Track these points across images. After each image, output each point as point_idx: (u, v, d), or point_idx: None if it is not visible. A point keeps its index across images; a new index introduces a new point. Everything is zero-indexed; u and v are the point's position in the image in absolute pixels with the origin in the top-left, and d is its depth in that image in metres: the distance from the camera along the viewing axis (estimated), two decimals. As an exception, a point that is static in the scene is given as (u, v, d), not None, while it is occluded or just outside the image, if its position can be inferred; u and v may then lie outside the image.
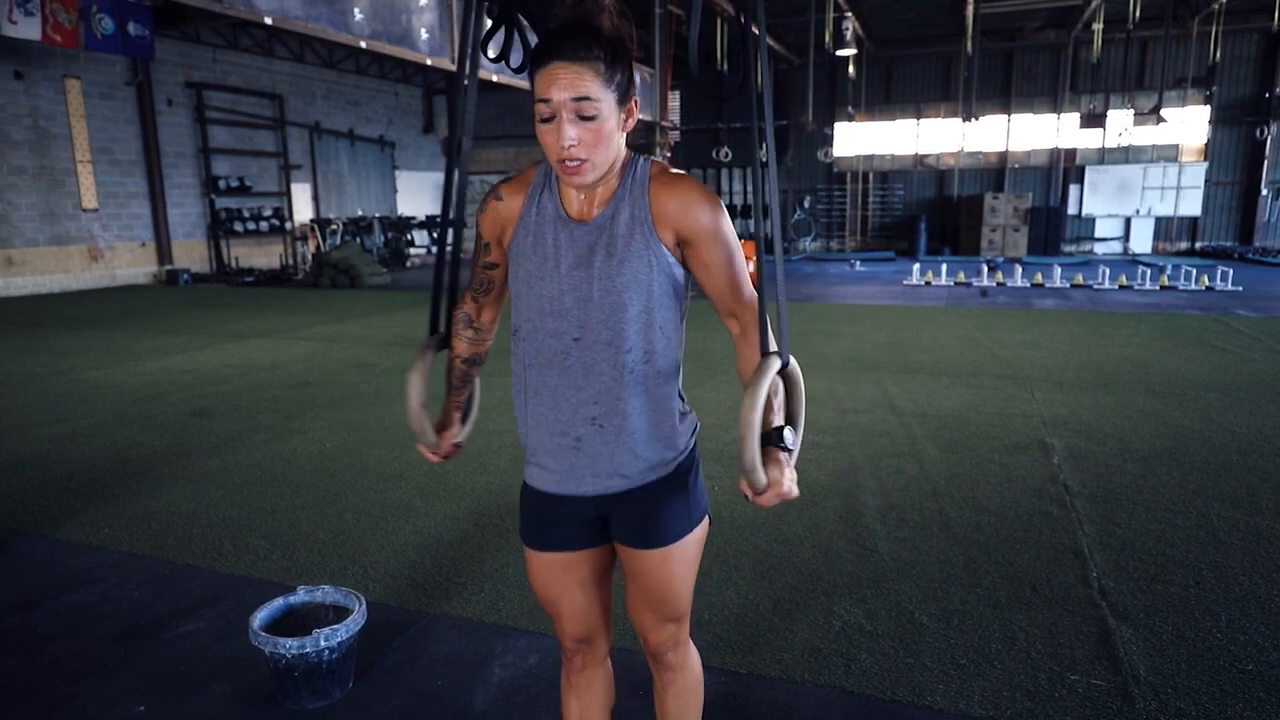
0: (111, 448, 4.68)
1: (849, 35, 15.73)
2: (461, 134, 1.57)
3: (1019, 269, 14.02)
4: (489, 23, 1.61)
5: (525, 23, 1.57)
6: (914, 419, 5.11)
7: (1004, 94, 20.84)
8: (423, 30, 7.39)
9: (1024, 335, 8.28)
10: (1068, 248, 20.94)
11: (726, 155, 18.89)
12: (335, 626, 2.20)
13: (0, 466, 4.31)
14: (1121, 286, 12.84)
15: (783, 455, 1.34)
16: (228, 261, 16.31)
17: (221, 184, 16.26)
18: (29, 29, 10.60)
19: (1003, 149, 21.19)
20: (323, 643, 2.16)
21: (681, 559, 1.49)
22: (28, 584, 3.01)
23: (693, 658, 1.65)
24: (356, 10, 6.50)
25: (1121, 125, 19.09)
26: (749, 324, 1.44)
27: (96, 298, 12.72)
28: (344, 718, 2.20)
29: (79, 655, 2.52)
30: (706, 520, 1.53)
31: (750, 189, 19.44)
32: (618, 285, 1.39)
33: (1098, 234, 21.17)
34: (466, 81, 1.60)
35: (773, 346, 1.40)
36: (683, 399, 1.51)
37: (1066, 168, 20.95)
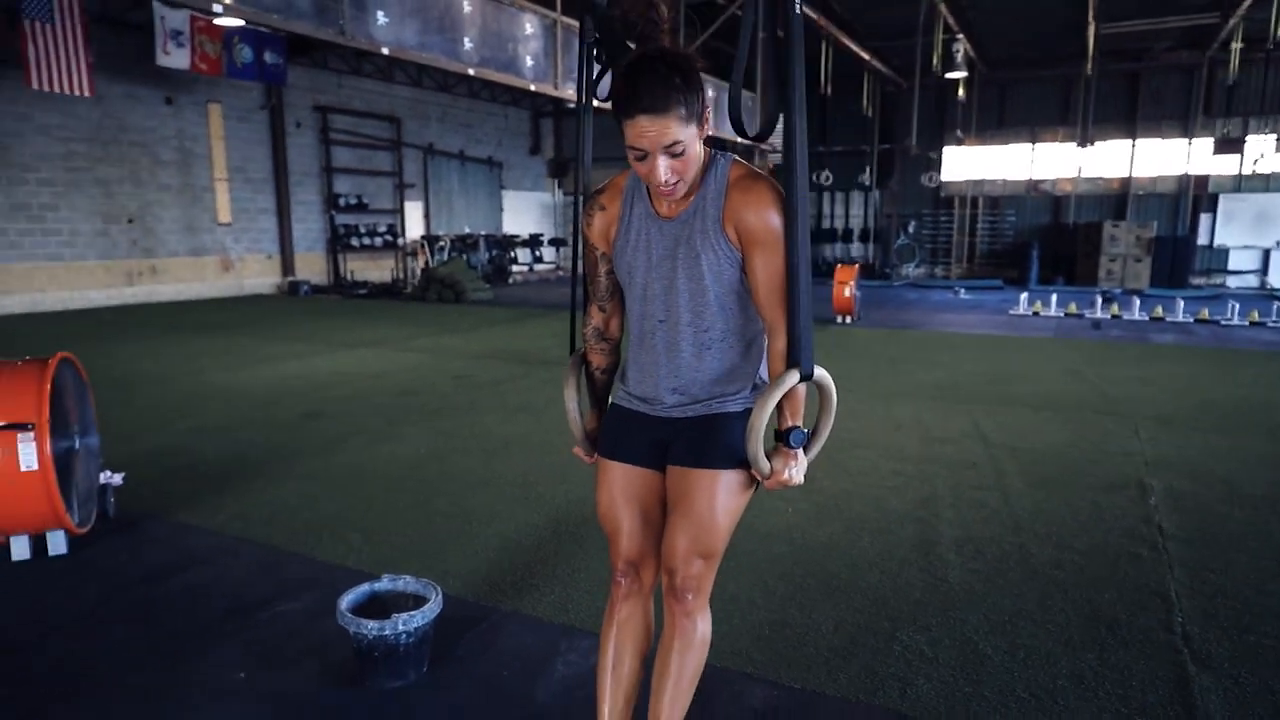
0: (232, 444, 5.09)
1: (959, 57, 15.40)
2: (583, 180, 1.84)
3: (1136, 301, 13.30)
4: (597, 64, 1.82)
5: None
6: (1004, 451, 4.98)
7: (1128, 117, 19.86)
8: (528, 58, 7.74)
9: (1135, 371, 7.89)
10: (1196, 280, 19.69)
11: (828, 179, 18.74)
12: (413, 613, 2.37)
13: (138, 454, 4.76)
14: (1253, 323, 12.01)
15: (790, 450, 1.58)
16: (344, 274, 17.29)
17: (341, 201, 17.28)
18: (180, 59, 11.67)
19: (1125, 175, 20.18)
20: (400, 626, 2.33)
21: (726, 489, 1.65)
22: (153, 560, 3.34)
23: (707, 618, 1.78)
24: (466, 40, 6.89)
25: (1259, 151, 17.87)
26: (777, 329, 1.61)
27: (226, 305, 13.73)
28: (418, 698, 2.37)
29: (193, 625, 2.80)
30: (754, 477, 1.68)
31: (849, 213, 19.05)
32: (697, 274, 1.61)
33: (1231, 266, 19.82)
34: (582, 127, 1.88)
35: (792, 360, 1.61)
36: (762, 380, 1.72)
37: (1197, 195, 19.74)
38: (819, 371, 1.59)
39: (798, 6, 1.44)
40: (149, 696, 2.38)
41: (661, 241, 1.64)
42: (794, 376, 1.52)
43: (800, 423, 1.62)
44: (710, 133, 1.57)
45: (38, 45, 10.06)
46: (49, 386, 3.20)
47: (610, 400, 1.86)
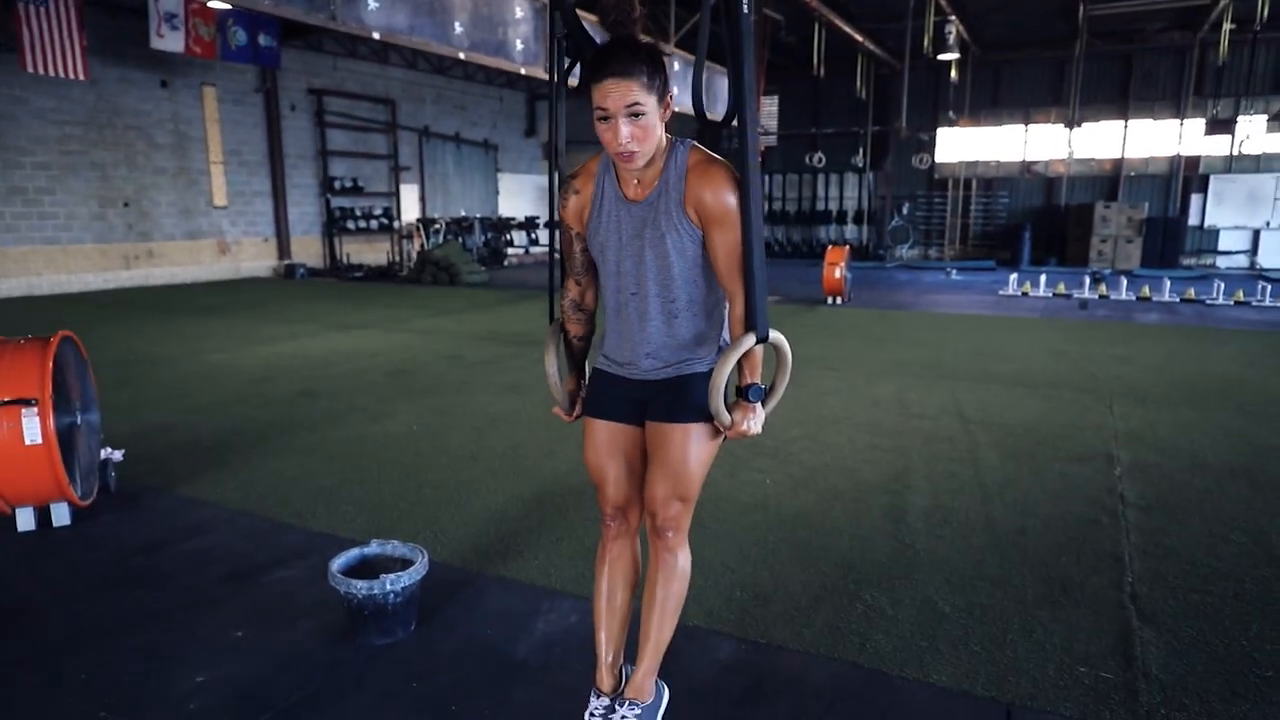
0: (229, 421, 5.23)
1: (951, 39, 15.44)
2: (558, 163, 1.97)
3: (1124, 282, 13.44)
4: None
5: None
6: (980, 427, 5.13)
7: (1120, 98, 19.91)
8: (519, 41, 7.82)
9: (1116, 349, 8.04)
10: (1187, 260, 19.82)
11: (820, 160, 18.80)
12: (400, 574, 2.52)
13: (137, 432, 4.90)
14: (1238, 302, 12.16)
15: (749, 404, 1.77)
16: (340, 257, 17.37)
17: (337, 184, 17.33)
18: (174, 42, 11.70)
19: (1117, 156, 20.26)
20: (389, 586, 2.48)
21: (697, 440, 1.85)
22: (154, 531, 3.48)
23: (687, 553, 2.00)
24: (457, 24, 6.97)
25: (1247, 131, 17.94)
26: (736, 297, 1.78)
27: (223, 288, 13.83)
28: (406, 654, 2.52)
29: (193, 590, 2.95)
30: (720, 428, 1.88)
31: (844, 195, 19.13)
32: (662, 251, 1.79)
33: (1221, 246, 19.94)
34: (557, 113, 2.04)
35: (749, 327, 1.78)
36: (725, 342, 1.92)
37: (1188, 176, 19.83)
38: (774, 334, 1.78)
39: (745, 6, 1.56)
40: (155, 652, 2.53)
41: (630, 223, 1.82)
42: (750, 339, 1.71)
43: (758, 380, 1.81)
44: (674, 111, 1.72)
45: (32, 29, 10.10)
46: (51, 363, 3.33)
47: (593, 367, 2.05)
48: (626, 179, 1.82)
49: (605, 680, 2.08)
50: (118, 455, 3.98)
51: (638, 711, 2.02)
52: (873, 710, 2.26)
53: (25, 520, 3.42)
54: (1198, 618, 2.75)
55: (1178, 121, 19.56)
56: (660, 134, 1.73)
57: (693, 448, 1.86)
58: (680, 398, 1.86)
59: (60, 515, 3.48)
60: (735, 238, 1.72)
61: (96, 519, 3.57)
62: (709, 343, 1.90)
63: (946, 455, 4.54)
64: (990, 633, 2.65)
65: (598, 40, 1.80)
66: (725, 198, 1.70)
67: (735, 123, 1.68)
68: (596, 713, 2.05)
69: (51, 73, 10.53)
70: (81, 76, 10.91)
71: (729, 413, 1.80)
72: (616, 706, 2.03)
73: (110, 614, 2.77)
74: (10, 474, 3.25)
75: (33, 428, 3.22)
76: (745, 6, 1.58)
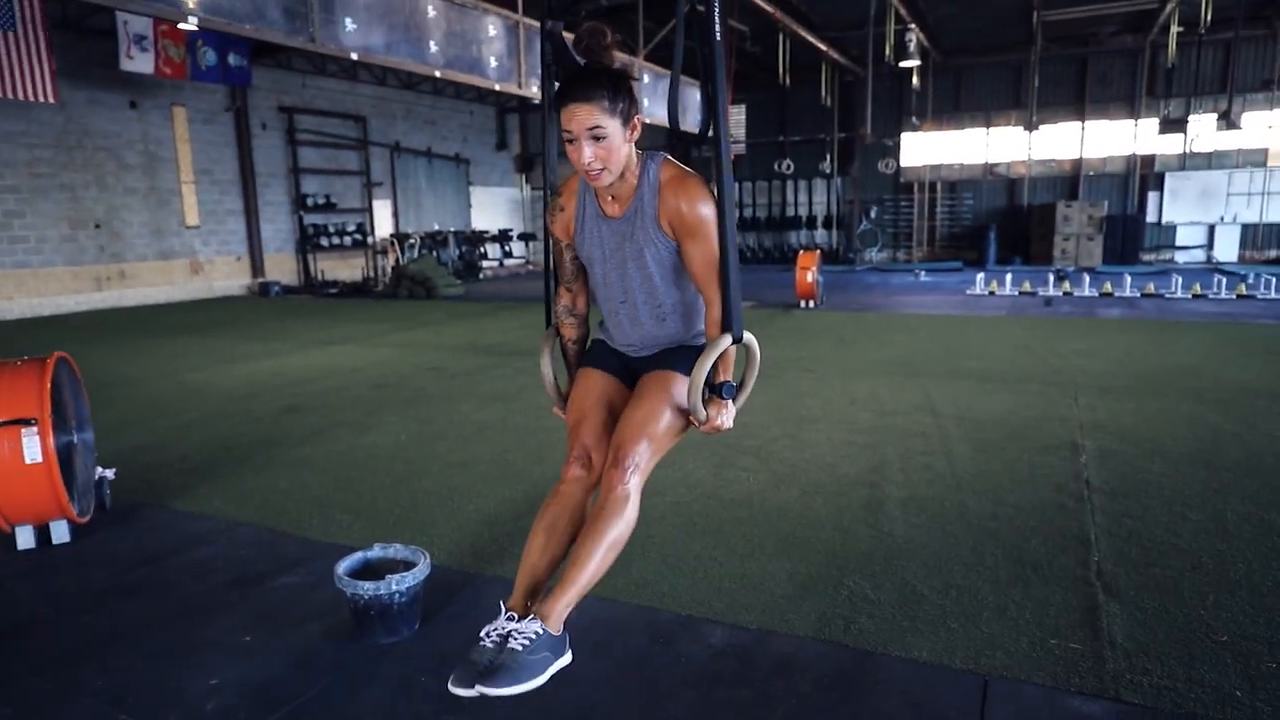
0: (216, 437, 5.28)
1: (912, 46, 15.80)
2: (550, 178, 2.14)
3: (1087, 278, 13.82)
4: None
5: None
6: (951, 421, 5.32)
7: (1078, 100, 20.46)
8: (492, 59, 7.95)
9: (1080, 344, 8.31)
10: (1147, 256, 20.36)
11: (789, 167, 19.10)
12: (404, 574, 2.62)
13: (124, 451, 4.94)
14: (1195, 296, 12.56)
15: (721, 401, 1.91)
16: (314, 274, 17.33)
17: (309, 201, 17.31)
18: (144, 64, 11.69)
19: (1076, 156, 20.79)
20: (394, 586, 2.59)
21: (679, 388, 1.97)
22: (154, 544, 3.55)
23: (636, 503, 1.95)
24: (432, 43, 7.09)
25: (1198, 130, 18.52)
26: (713, 302, 1.92)
27: (197, 308, 13.76)
28: (412, 651, 2.62)
29: (199, 597, 3.02)
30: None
31: (812, 200, 19.41)
32: (643, 263, 1.95)
33: (1179, 242, 20.51)
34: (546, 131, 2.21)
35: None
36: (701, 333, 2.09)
37: (1144, 174, 20.40)
38: (747, 335, 1.91)
39: (716, 34, 1.71)
40: (167, 657, 2.61)
41: (611, 238, 1.97)
42: (727, 340, 1.86)
43: (730, 378, 1.95)
44: (647, 122, 1.86)
45: (0, 54, 10.05)
46: (49, 384, 3.39)
47: (593, 338, 2.23)
48: (603, 195, 1.96)
49: (517, 600, 1.96)
50: (110, 474, 4.03)
51: (537, 628, 1.84)
52: (859, 686, 2.40)
53: (25, 539, 3.47)
54: (1159, 591, 2.93)
55: (1132, 121, 20.13)
56: (627, 152, 1.85)
57: (673, 392, 1.96)
58: (673, 356, 2.04)
59: (60, 533, 3.53)
60: (710, 247, 1.86)
61: (95, 535, 3.63)
62: (698, 327, 2.09)
63: (921, 449, 4.71)
64: (966, 611, 2.81)
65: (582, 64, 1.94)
66: (698, 210, 1.84)
67: (710, 134, 1.82)
68: (492, 632, 1.89)
69: (20, 96, 10.48)
70: (51, 99, 10.87)
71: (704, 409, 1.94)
72: (518, 624, 1.87)
73: (119, 623, 2.84)
74: (11, 492, 3.31)
75: (33, 446, 3.28)
76: (717, 30, 1.72)
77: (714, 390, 1.92)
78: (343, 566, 2.72)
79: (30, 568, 3.34)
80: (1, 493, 3.30)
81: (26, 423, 3.29)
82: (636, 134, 1.85)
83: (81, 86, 12.93)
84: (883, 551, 3.32)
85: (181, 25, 10.37)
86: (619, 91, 1.78)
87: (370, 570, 2.82)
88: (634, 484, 1.93)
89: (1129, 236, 19.77)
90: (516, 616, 1.92)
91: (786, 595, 2.96)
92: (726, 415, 1.93)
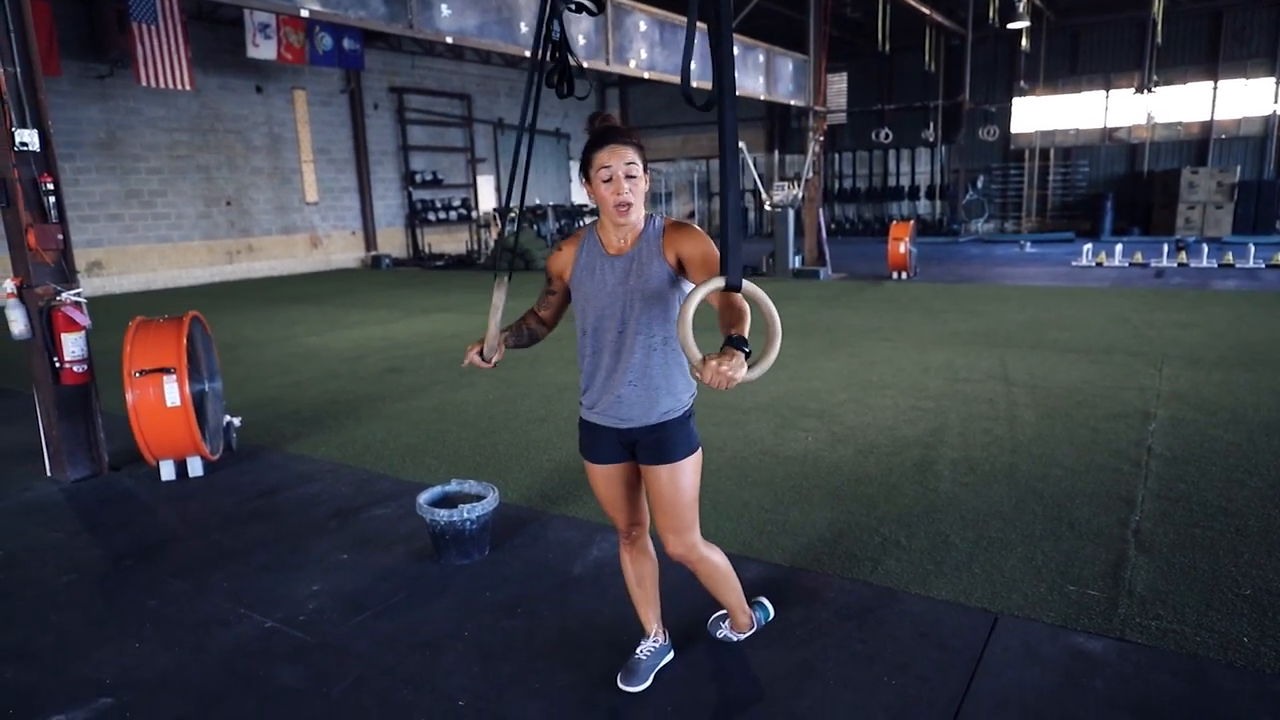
0: (326, 394, 5.86)
1: (1023, 6, 15.13)
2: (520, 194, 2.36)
3: (1205, 249, 13.05)
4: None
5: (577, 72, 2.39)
6: (1023, 389, 5.33)
7: (1209, 59, 19.07)
8: (580, 37, 8.23)
9: (1182, 316, 7.99)
10: (1284, 225, 18.89)
11: (888, 136, 18.65)
12: (475, 504, 2.99)
13: (248, 403, 5.57)
14: (1328, 267, 11.70)
15: (731, 349, 1.85)
16: (422, 247, 18.23)
17: (418, 178, 18.17)
18: (267, 50, 12.58)
19: (1206, 119, 19.42)
20: (466, 514, 2.96)
21: (682, 473, 2.17)
22: (271, 479, 4.08)
23: (712, 555, 2.31)
24: (522, 24, 7.42)
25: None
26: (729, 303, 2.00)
27: (315, 279, 14.78)
28: (481, 571, 3.00)
29: (305, 524, 3.50)
30: (700, 452, 2.21)
31: (915, 170, 18.84)
32: (646, 294, 2.12)
33: (1323, 210, 18.93)
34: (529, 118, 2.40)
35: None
36: (693, 394, 2.23)
37: (1285, 136, 18.88)
38: (750, 286, 1.93)
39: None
40: (278, 568, 3.08)
41: (613, 271, 2.16)
42: (720, 281, 1.92)
43: (744, 334, 1.93)
44: (649, 188, 2.11)
45: (145, 45, 11.07)
46: (185, 338, 3.94)
47: (579, 417, 2.30)
48: (609, 238, 2.16)
49: (650, 625, 2.45)
50: (237, 421, 4.60)
51: (728, 632, 2.54)
52: (873, 618, 2.61)
53: (167, 471, 4.06)
54: (1193, 548, 2.99)
55: (1273, 80, 18.62)
56: (644, 196, 2.13)
57: (681, 480, 2.17)
58: (664, 443, 2.14)
59: (195, 468, 4.10)
60: (710, 248, 2.08)
61: (223, 471, 4.19)
62: (681, 390, 2.18)
63: (984, 415, 4.78)
64: (993, 559, 2.96)
65: (579, 61, 2.21)
66: (698, 241, 2.10)
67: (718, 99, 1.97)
68: (644, 653, 2.42)
69: (162, 85, 11.50)
70: (188, 87, 11.87)
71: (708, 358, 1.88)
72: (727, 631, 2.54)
73: (241, 541, 3.35)
74: (156, 431, 3.88)
75: (172, 392, 3.83)
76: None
77: (728, 341, 1.87)
78: (424, 497, 3.11)
79: (171, 495, 3.92)
80: (148, 431, 3.88)
81: (167, 371, 3.84)
82: (648, 187, 2.13)
83: (213, 73, 14.01)
84: (924, 505, 3.48)
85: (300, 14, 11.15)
86: (640, 149, 2.10)
87: (448, 501, 3.21)
88: (696, 550, 2.25)
89: (1264, 204, 18.36)
90: (664, 635, 2.47)
91: (823, 539, 3.18)
92: (734, 364, 1.82)
